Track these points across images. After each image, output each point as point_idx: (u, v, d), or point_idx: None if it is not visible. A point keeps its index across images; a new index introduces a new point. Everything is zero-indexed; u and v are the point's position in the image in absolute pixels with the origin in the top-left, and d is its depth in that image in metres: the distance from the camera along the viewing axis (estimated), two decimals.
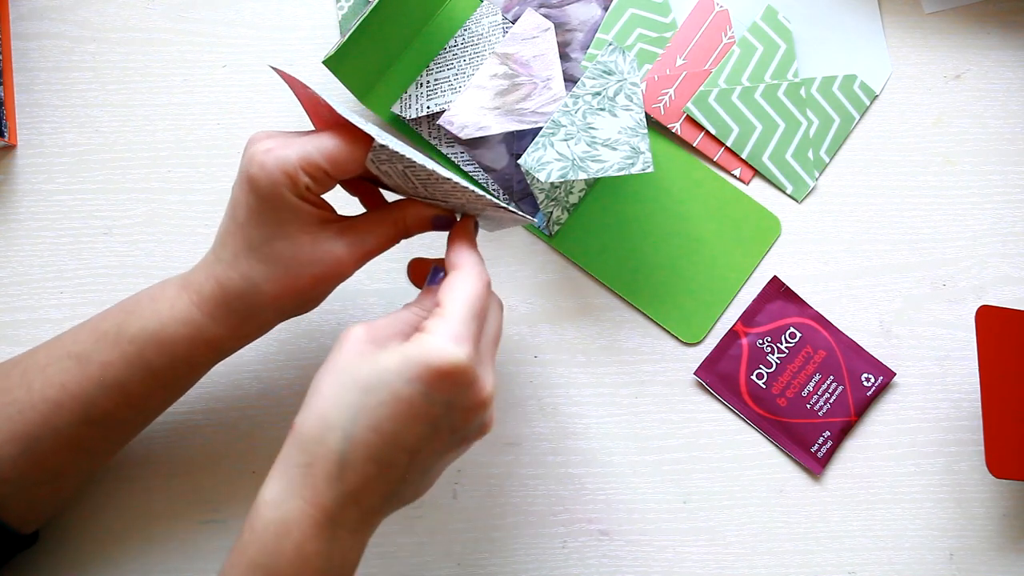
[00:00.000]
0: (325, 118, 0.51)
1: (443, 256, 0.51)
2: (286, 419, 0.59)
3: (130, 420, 0.52)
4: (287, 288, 0.48)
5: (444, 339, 0.43)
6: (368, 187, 0.54)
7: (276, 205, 0.47)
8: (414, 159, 0.47)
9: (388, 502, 0.45)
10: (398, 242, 0.52)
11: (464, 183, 0.47)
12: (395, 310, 0.49)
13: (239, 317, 0.49)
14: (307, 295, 0.50)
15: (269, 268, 0.48)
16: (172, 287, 0.50)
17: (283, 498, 0.43)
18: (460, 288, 0.46)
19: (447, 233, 0.51)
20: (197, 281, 0.50)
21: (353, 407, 0.43)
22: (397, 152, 0.47)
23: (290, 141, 0.47)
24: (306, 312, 0.52)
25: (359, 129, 0.48)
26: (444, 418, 0.44)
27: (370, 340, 0.44)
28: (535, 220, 0.51)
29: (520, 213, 0.50)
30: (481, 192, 0.48)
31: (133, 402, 0.50)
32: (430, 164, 0.48)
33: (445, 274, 0.48)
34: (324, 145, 0.47)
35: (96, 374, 0.49)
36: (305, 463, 0.43)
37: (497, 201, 0.49)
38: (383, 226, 0.50)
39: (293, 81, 0.51)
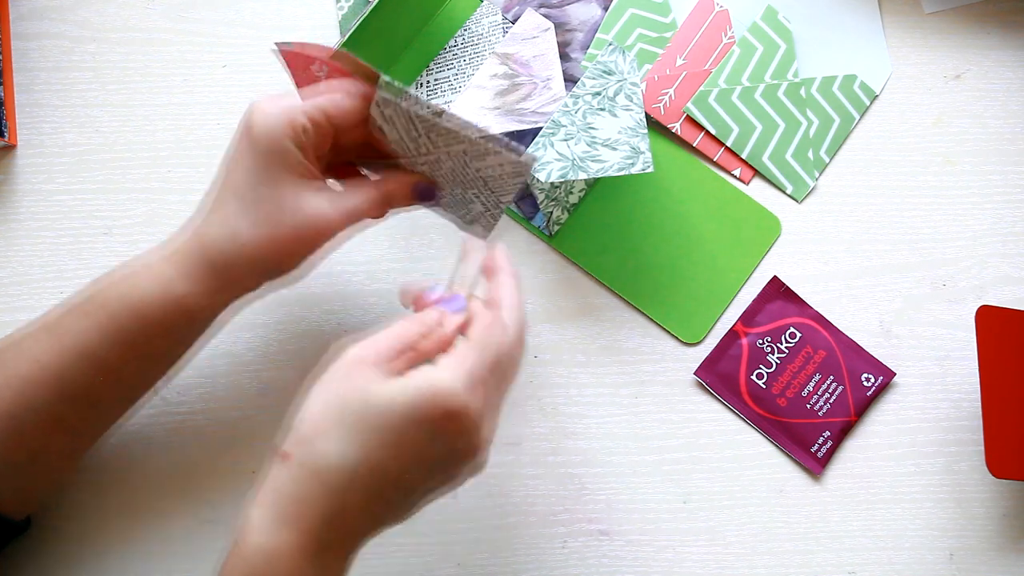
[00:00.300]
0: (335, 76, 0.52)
1: (427, 278, 0.50)
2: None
3: (109, 396, 0.51)
4: (267, 239, 0.48)
5: (460, 383, 0.42)
6: (352, 171, 0.54)
7: (269, 149, 0.47)
8: (419, 95, 0.48)
9: (375, 528, 0.45)
10: (382, 213, 0.51)
11: (465, 120, 0.48)
12: (393, 323, 0.46)
13: (213, 272, 0.48)
14: (287, 250, 0.48)
15: (251, 215, 0.47)
16: (149, 251, 0.49)
17: (274, 527, 0.42)
18: (493, 335, 0.45)
19: (460, 244, 0.51)
20: (175, 240, 0.49)
21: (355, 445, 0.42)
22: (403, 89, 0.48)
23: (294, 95, 0.49)
24: (284, 278, 0.50)
25: (367, 74, 0.49)
26: (443, 461, 0.43)
27: (372, 363, 0.43)
28: (531, 157, 0.49)
29: (518, 148, 0.49)
30: (481, 127, 0.49)
31: (110, 375, 0.49)
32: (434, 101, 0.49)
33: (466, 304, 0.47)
34: (326, 93, 0.49)
35: (70, 345, 0.48)
36: (299, 496, 0.42)
37: (497, 136, 0.49)
38: (366, 189, 0.51)
39: (296, 56, 0.51)
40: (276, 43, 0.51)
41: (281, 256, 0.49)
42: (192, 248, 0.48)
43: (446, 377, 0.42)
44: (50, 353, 0.48)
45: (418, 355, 0.44)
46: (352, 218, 0.50)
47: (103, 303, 0.48)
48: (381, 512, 0.44)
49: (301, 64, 0.51)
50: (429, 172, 0.52)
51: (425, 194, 0.52)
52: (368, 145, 0.52)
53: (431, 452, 0.43)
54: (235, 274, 0.49)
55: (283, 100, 0.48)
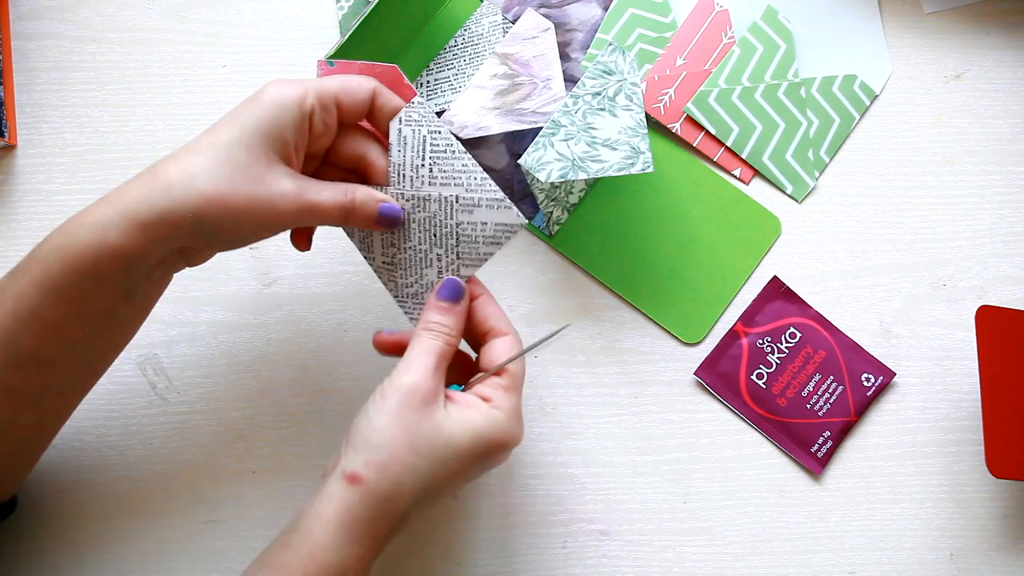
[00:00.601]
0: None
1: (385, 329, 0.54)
2: (286, 419, 0.59)
3: (59, 359, 0.49)
4: (220, 194, 0.46)
5: (514, 423, 0.50)
6: (306, 233, 0.54)
7: (266, 119, 0.47)
8: (446, 127, 0.51)
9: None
10: (342, 222, 0.50)
11: (475, 164, 0.51)
12: (420, 340, 0.50)
13: (153, 215, 0.46)
14: (235, 216, 0.47)
15: (215, 167, 0.47)
16: (99, 199, 0.48)
17: (345, 545, 0.47)
18: (519, 363, 0.51)
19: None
20: (123, 185, 0.47)
21: (426, 475, 0.47)
22: (432, 113, 0.50)
23: (311, 79, 0.50)
24: (219, 243, 0.49)
25: (405, 91, 0.52)
26: (484, 473, 0.51)
27: (435, 395, 0.49)
28: (520, 222, 0.51)
29: (511, 209, 0.51)
30: (486, 179, 0.51)
31: (53, 333, 0.47)
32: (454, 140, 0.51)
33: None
34: (341, 79, 0.50)
35: (10, 308, 0.47)
36: (372, 518, 0.47)
37: (497, 193, 0.50)
38: (334, 191, 0.50)
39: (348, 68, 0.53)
40: (321, 59, 0.52)
41: (226, 219, 0.47)
42: (139, 189, 0.47)
43: (502, 420, 0.49)
44: None
45: (464, 384, 0.52)
46: (309, 214, 0.49)
47: (40, 258, 0.47)
48: (425, 509, 0.50)
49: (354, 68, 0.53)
50: (408, 211, 0.52)
51: (390, 217, 0.51)
52: (356, 171, 0.53)
53: (480, 471, 0.50)
54: (176, 221, 0.46)
55: (301, 81, 0.49)
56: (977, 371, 0.55)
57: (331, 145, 0.52)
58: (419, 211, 0.52)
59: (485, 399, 0.50)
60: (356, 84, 0.50)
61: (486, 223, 0.52)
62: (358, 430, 0.48)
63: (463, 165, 0.51)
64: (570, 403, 0.60)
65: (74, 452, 0.58)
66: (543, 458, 0.59)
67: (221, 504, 0.58)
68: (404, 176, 0.52)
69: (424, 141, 0.51)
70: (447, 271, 0.53)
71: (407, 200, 0.52)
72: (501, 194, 0.51)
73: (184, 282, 0.61)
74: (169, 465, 0.59)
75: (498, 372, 0.51)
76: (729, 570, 0.59)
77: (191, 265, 0.51)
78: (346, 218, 0.50)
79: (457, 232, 0.52)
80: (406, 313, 0.54)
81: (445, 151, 0.51)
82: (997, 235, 0.63)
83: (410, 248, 0.53)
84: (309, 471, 0.59)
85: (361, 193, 0.51)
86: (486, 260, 0.52)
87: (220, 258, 0.61)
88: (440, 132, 0.51)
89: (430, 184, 0.51)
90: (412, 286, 0.53)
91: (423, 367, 0.49)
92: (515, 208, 0.51)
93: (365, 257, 0.54)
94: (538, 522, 0.59)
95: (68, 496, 0.58)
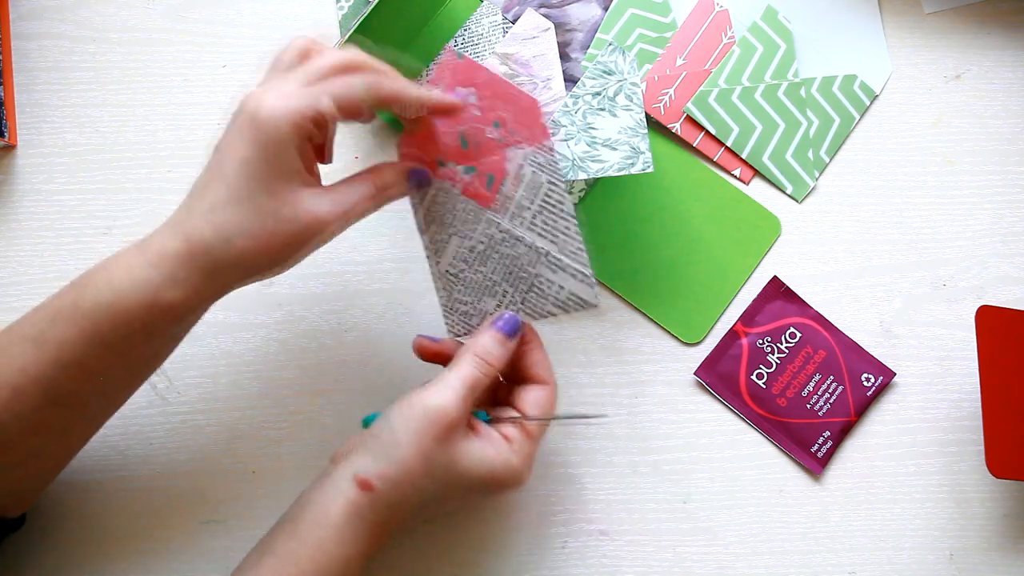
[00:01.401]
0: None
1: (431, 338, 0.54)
2: (286, 419, 0.59)
3: (96, 400, 0.51)
4: (261, 245, 0.47)
5: (525, 467, 0.51)
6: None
7: (271, 149, 0.46)
8: (561, 181, 0.53)
9: None
10: (378, 205, 0.50)
11: (578, 231, 0.53)
12: (460, 363, 0.51)
13: (202, 275, 0.47)
14: (282, 253, 0.48)
15: (247, 221, 0.46)
16: (129, 253, 0.48)
17: (350, 540, 0.49)
18: (545, 412, 0.53)
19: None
20: (158, 241, 0.47)
21: (433, 497, 0.50)
22: (556, 163, 0.53)
23: (295, 90, 0.47)
24: (272, 274, 0.49)
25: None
26: (475, 497, 0.54)
27: (459, 424, 0.50)
28: (596, 302, 0.54)
29: (593, 290, 0.54)
30: (581, 247, 0.53)
31: (95, 379, 0.49)
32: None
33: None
34: (333, 84, 0.47)
35: (53, 355, 0.47)
36: (377, 521, 0.49)
37: (586, 268, 0.54)
38: (360, 183, 0.50)
39: (469, 68, 0.53)
40: (451, 48, 0.53)
41: (275, 257, 0.48)
42: (180, 253, 0.47)
43: (516, 465, 0.51)
44: (36, 363, 0.48)
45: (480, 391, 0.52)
46: (349, 216, 0.49)
47: (87, 312, 0.47)
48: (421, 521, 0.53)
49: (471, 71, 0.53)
50: (497, 240, 0.53)
51: (421, 178, 0.52)
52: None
53: (479, 500, 0.55)
54: (225, 277, 0.48)
55: (288, 98, 0.46)
56: (977, 371, 0.55)
57: None
58: (507, 246, 0.53)
59: (507, 438, 0.51)
60: (357, 90, 0.48)
61: (563, 288, 0.53)
62: (378, 437, 0.49)
63: (566, 227, 0.53)
64: (570, 403, 0.60)
65: None
66: (543, 458, 0.59)
67: (221, 504, 0.58)
68: (508, 210, 0.53)
69: (540, 187, 0.52)
70: (505, 308, 0.54)
71: (501, 231, 0.53)
72: (590, 271, 0.53)
73: None
74: (169, 465, 0.59)
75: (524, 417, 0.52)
76: (729, 570, 0.58)
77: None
78: (381, 201, 0.51)
79: (533, 282, 0.53)
80: (448, 325, 0.55)
81: (555, 206, 0.53)
82: (997, 235, 0.63)
83: (481, 272, 0.54)
84: (309, 471, 0.59)
85: (386, 174, 0.51)
86: (546, 318, 0.54)
87: None
88: (558, 185, 0.52)
89: (529, 228, 0.53)
90: (467, 305, 0.54)
91: (456, 395, 0.50)
92: (596, 288, 0.54)
93: (429, 258, 0.54)
94: (538, 522, 0.59)
95: (68, 496, 0.58)
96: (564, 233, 0.53)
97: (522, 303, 0.54)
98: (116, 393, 0.52)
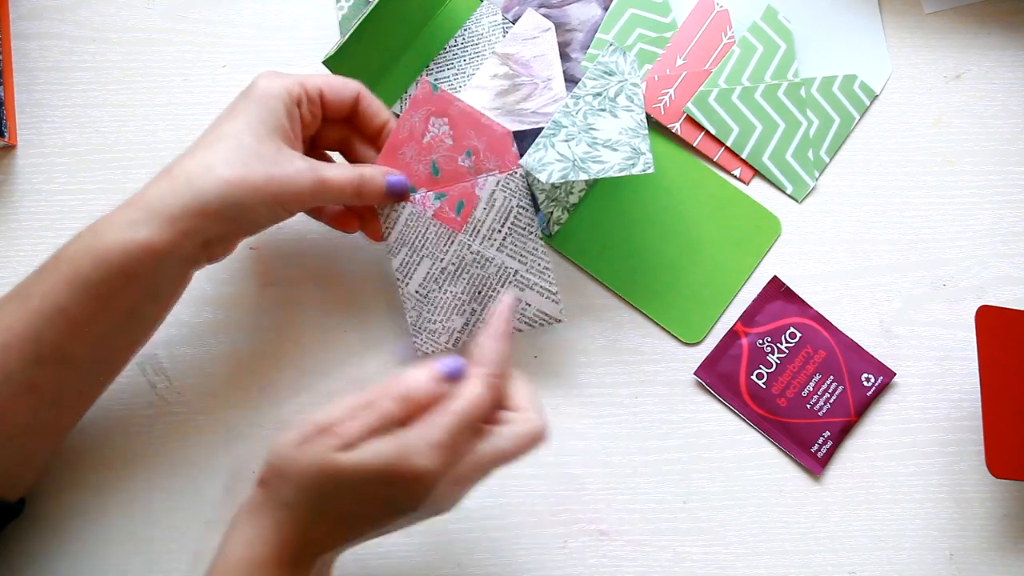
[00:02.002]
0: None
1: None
2: (286, 419, 0.59)
3: (83, 356, 0.50)
4: (239, 175, 0.49)
5: (428, 447, 0.45)
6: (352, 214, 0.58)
7: (264, 107, 0.51)
8: (530, 206, 0.57)
9: (342, 546, 0.48)
10: (355, 193, 0.54)
11: (546, 253, 0.57)
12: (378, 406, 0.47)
13: (182, 211, 0.48)
14: (256, 195, 0.50)
15: (230, 153, 0.50)
16: (119, 206, 0.50)
17: (258, 540, 0.46)
18: (463, 397, 0.47)
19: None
20: (143, 188, 0.50)
21: (337, 500, 0.46)
22: (526, 189, 0.56)
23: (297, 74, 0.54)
24: (242, 227, 0.52)
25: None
26: (401, 510, 0.47)
27: (346, 445, 0.46)
28: (562, 318, 0.58)
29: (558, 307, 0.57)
30: (548, 268, 0.57)
31: (80, 330, 0.49)
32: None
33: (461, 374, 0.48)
34: (326, 76, 0.54)
35: (37, 306, 0.48)
36: (274, 519, 0.46)
37: (552, 285, 0.57)
38: (342, 167, 0.53)
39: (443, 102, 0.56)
40: (426, 79, 0.56)
41: (249, 198, 0.50)
42: (162, 187, 0.49)
43: (413, 449, 0.45)
44: (21, 318, 0.48)
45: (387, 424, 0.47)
46: (324, 190, 0.52)
47: (68, 257, 0.48)
48: (352, 537, 0.48)
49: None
50: (467, 262, 0.57)
51: (398, 189, 0.55)
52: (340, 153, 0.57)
53: (389, 510, 0.47)
54: (201, 208, 0.49)
55: (288, 74, 0.53)
56: (977, 371, 0.55)
57: (315, 133, 0.55)
58: (477, 267, 0.57)
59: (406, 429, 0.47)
60: (341, 83, 0.54)
61: (531, 305, 0.57)
62: (275, 440, 0.48)
63: (534, 248, 0.57)
64: (570, 403, 0.60)
65: (74, 452, 0.58)
66: (543, 458, 0.59)
67: (221, 504, 0.58)
68: (479, 232, 0.56)
69: (510, 212, 0.56)
70: (473, 327, 0.57)
71: (472, 252, 0.56)
72: (556, 288, 0.57)
73: None
74: (169, 465, 0.59)
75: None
76: (729, 570, 0.59)
77: (212, 261, 0.53)
78: (358, 192, 0.54)
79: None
80: (416, 344, 0.57)
81: (524, 229, 0.56)
82: (997, 235, 0.63)
83: (451, 292, 0.57)
84: None
85: (369, 169, 0.54)
86: (513, 335, 0.54)
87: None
88: (526, 210, 0.56)
89: (499, 250, 0.56)
90: (435, 324, 0.57)
91: (349, 407, 0.47)
92: (562, 305, 0.57)
93: (398, 280, 0.57)
94: (538, 522, 0.59)
95: (68, 496, 0.58)
96: (532, 254, 0.57)
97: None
98: (103, 354, 0.51)
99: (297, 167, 0.51)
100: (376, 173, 0.54)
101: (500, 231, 0.56)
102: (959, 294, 0.62)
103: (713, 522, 0.59)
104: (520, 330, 0.57)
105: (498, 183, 0.56)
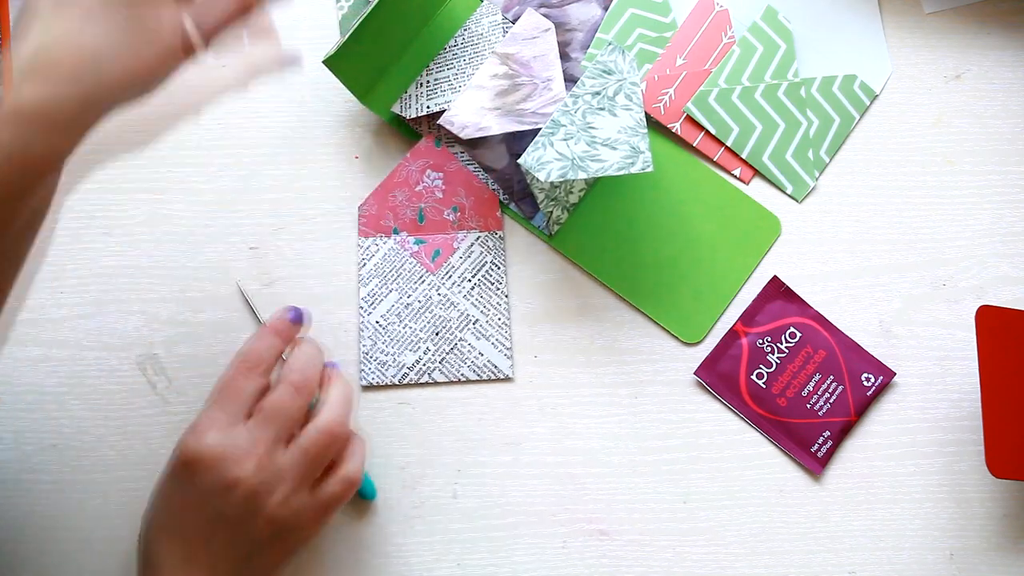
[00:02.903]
0: None
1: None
2: None
3: None
4: (130, 68, 0.44)
5: (190, 432, 0.48)
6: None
7: None
8: (502, 265, 0.61)
9: (248, 564, 0.48)
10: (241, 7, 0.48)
11: (508, 312, 0.60)
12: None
13: (51, 66, 0.42)
14: (134, 52, 0.45)
15: (111, 37, 0.44)
16: None
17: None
18: (222, 376, 0.50)
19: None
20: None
21: (154, 507, 0.49)
22: (502, 248, 0.61)
23: None
24: (135, 86, 0.47)
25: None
26: (208, 504, 0.48)
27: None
28: (509, 373, 0.60)
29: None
30: (507, 324, 0.60)
31: None
32: None
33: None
34: None
35: None
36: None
37: (507, 341, 0.60)
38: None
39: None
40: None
41: (127, 60, 0.45)
42: (33, 48, 0.42)
43: (187, 431, 0.48)
44: None
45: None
46: (214, 25, 0.47)
47: None
48: (229, 556, 0.48)
49: None
50: (432, 302, 0.60)
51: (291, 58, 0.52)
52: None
53: (187, 500, 0.48)
54: (100, 111, 0.45)
55: None
56: (977, 371, 0.55)
57: None
58: (441, 308, 0.60)
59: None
60: None
61: (483, 355, 0.59)
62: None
63: (498, 303, 0.60)
64: (570, 403, 0.60)
65: (74, 452, 0.58)
66: (543, 458, 0.59)
67: None
68: (450, 277, 0.60)
69: (484, 266, 0.60)
70: (422, 363, 0.59)
71: (440, 294, 0.60)
72: (510, 345, 0.59)
73: (184, 282, 0.61)
74: None
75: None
76: (729, 570, 0.58)
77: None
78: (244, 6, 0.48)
79: (456, 344, 0.59)
80: (362, 373, 0.59)
81: (493, 284, 0.60)
82: (997, 235, 0.63)
83: (411, 328, 0.59)
84: None
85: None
86: (459, 382, 0.59)
87: (220, 258, 0.61)
88: (499, 267, 0.60)
89: (465, 298, 0.60)
90: (387, 356, 0.59)
91: None
92: (512, 362, 0.59)
93: (361, 308, 0.60)
94: (538, 522, 0.59)
95: (68, 496, 0.58)
96: (495, 308, 0.60)
97: (440, 362, 0.59)
98: None
99: (174, 17, 0.46)
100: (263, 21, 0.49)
101: (470, 280, 0.60)
102: (959, 294, 0.62)
103: (713, 522, 0.59)
104: (466, 378, 0.59)
105: (477, 238, 0.60)
